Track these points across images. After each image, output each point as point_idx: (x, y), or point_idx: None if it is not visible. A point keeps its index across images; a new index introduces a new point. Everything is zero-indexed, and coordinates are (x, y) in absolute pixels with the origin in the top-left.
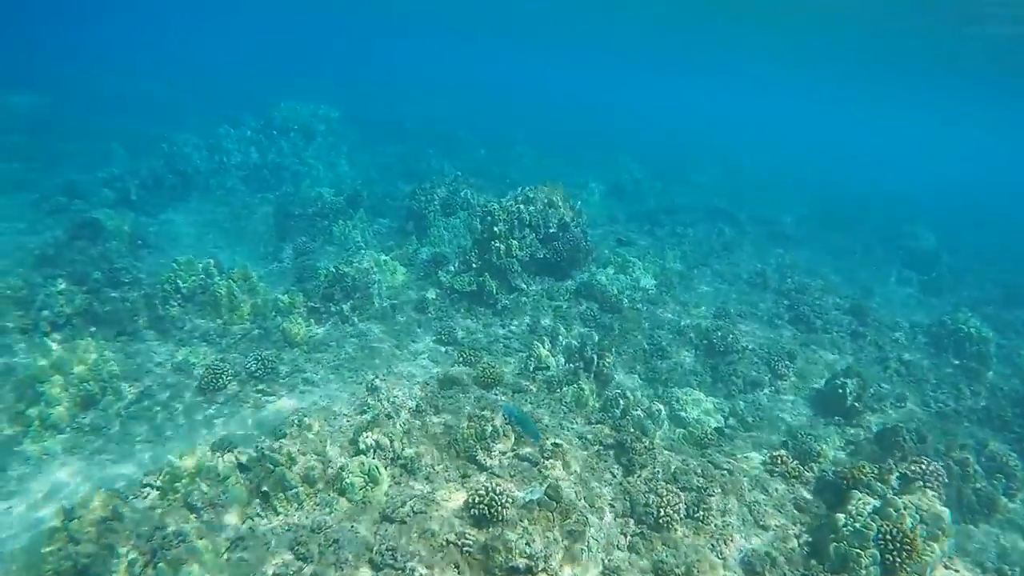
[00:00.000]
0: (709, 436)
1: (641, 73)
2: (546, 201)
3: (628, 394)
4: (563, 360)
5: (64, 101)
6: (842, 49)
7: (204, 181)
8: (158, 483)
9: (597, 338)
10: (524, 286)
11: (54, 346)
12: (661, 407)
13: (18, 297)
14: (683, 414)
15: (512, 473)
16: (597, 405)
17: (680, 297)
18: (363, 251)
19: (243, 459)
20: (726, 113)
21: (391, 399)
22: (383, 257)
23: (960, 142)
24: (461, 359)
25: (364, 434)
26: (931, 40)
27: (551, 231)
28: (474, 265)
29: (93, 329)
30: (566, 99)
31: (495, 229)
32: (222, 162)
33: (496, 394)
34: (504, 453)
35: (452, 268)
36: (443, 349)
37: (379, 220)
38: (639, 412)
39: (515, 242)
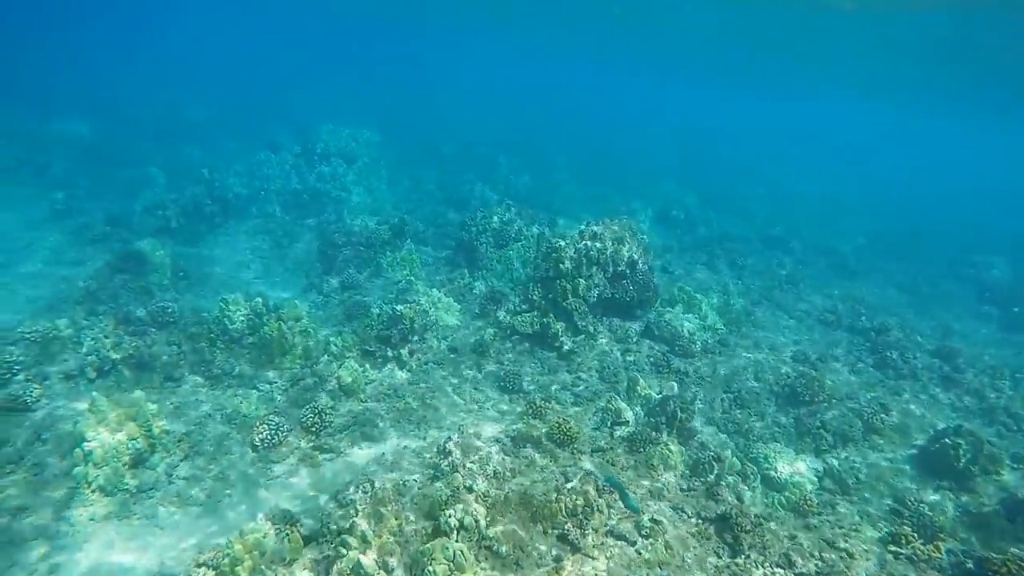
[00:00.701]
0: (808, 503)
1: (681, 94)
2: (615, 237)
3: (721, 455)
4: (641, 413)
5: (104, 126)
6: (895, 73)
7: (244, 207)
8: (215, 565)
9: (676, 388)
10: (591, 328)
11: (101, 398)
12: (754, 469)
13: (64, 339)
14: (774, 474)
15: (609, 555)
16: (686, 468)
17: (750, 336)
18: (414, 285)
19: (305, 531)
20: (771, 136)
21: (466, 465)
22: (436, 292)
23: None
24: (530, 411)
25: (446, 511)
26: (991, 62)
27: (620, 269)
28: (537, 304)
29: (139, 374)
30: (605, 119)
31: (561, 267)
32: (262, 188)
33: (573, 453)
34: (597, 530)
35: (511, 306)
36: (507, 398)
37: (424, 248)
38: (733, 477)
39: (583, 281)
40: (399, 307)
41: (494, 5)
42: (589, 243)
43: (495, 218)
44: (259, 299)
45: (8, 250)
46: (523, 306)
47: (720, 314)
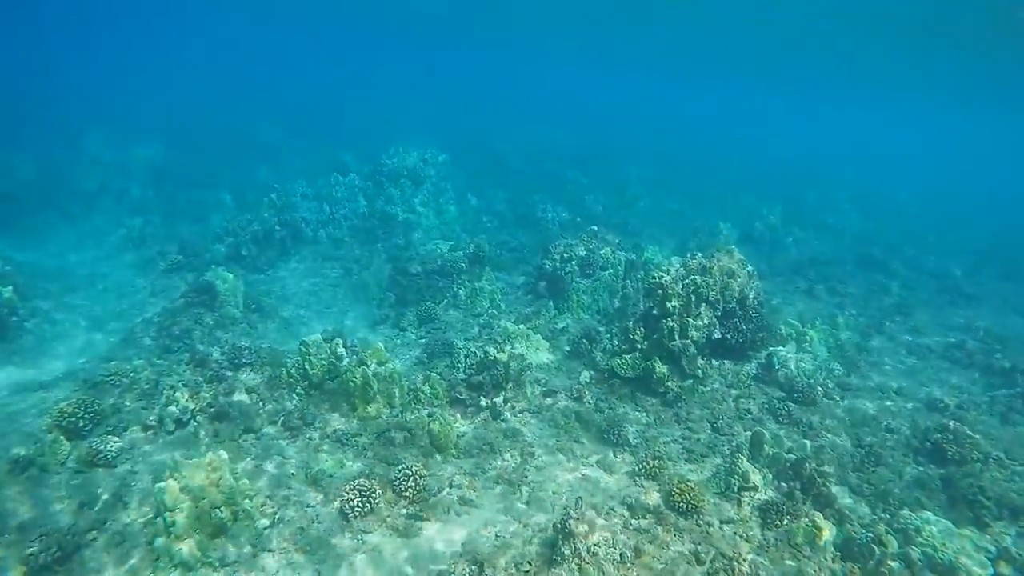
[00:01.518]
0: None
1: (751, 102)
2: (724, 271)
3: (882, 538)
4: (770, 475)
5: (178, 149)
6: (984, 72)
7: (313, 233)
8: None
9: (809, 446)
10: (700, 372)
11: (182, 463)
12: (919, 553)
13: (142, 383)
14: (934, 553)
15: None
16: (836, 550)
17: (870, 378)
18: (499, 321)
19: None
20: (846, 143)
21: (590, 549)
22: (522, 328)
23: None
24: (642, 470)
25: None
26: None
27: (730, 306)
28: (638, 344)
29: (218, 426)
30: (674, 130)
31: (668, 305)
32: (331, 213)
33: (699, 524)
34: None
35: (607, 345)
36: (611, 452)
37: (498, 274)
38: (897, 563)
39: (692, 321)
40: (492, 351)
41: (554, 18)
42: (698, 278)
43: (581, 247)
44: (339, 340)
45: (87, 282)
46: (622, 346)
47: (831, 350)
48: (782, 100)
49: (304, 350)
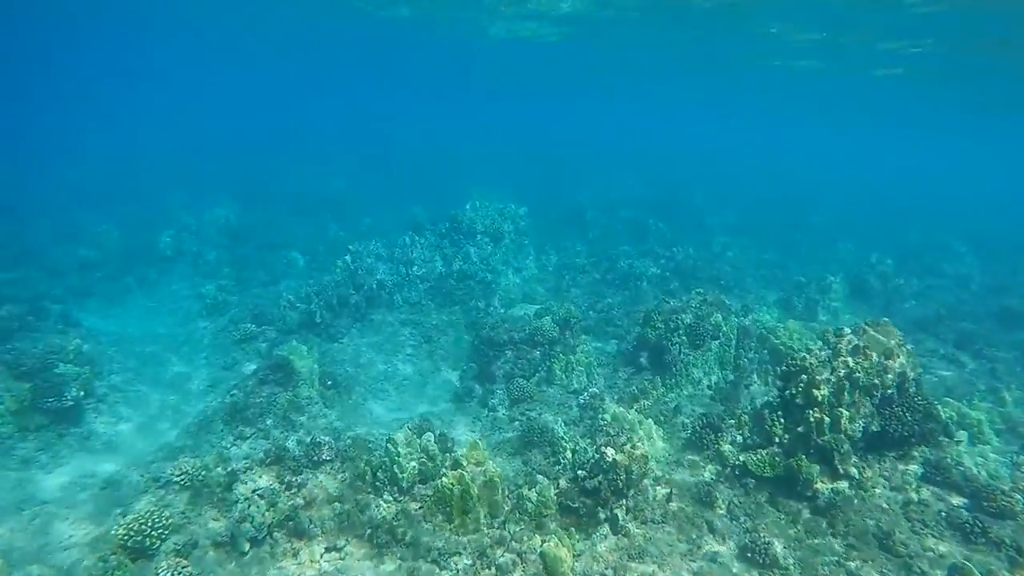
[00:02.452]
0: None
1: (829, 139)
2: (881, 349)
3: None
4: None
5: (247, 208)
6: None
7: (388, 297)
8: None
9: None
10: (855, 472)
11: None
12: None
13: (214, 485)
14: None
15: None
16: None
17: None
18: (604, 405)
19: None
20: (951, 179)
21: None
22: (632, 415)
23: None
24: None
25: None
26: None
27: (888, 392)
28: (777, 437)
29: (296, 543)
30: (749, 172)
31: (816, 393)
32: (407, 274)
33: None
34: None
35: (737, 435)
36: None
37: (591, 342)
38: None
39: (845, 412)
40: (611, 453)
41: (624, 65)
42: (850, 361)
43: (688, 314)
44: (429, 435)
45: (161, 356)
46: (755, 438)
47: (999, 435)
48: (859, 137)
49: (392, 449)
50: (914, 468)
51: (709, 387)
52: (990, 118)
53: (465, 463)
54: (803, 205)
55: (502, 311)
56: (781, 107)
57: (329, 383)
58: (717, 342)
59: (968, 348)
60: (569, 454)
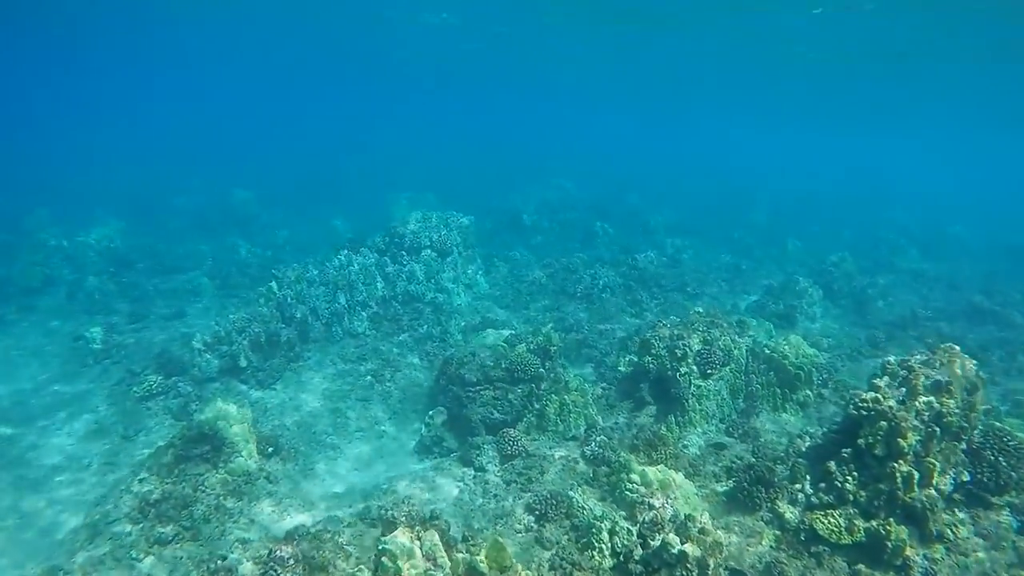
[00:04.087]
0: None
1: (748, 134)
2: (964, 382)
3: None
4: None
5: (137, 227)
6: None
7: (326, 329)
8: None
9: None
10: (949, 533)
11: None
12: None
13: None
14: None
15: None
16: None
17: None
18: (630, 466)
19: None
20: (870, 176)
21: None
22: (667, 474)
23: None
24: None
25: None
26: None
27: (975, 434)
28: (850, 495)
29: None
30: (675, 167)
31: (902, 443)
32: (347, 301)
33: None
34: None
35: (795, 491)
36: None
37: (574, 372)
38: None
39: (936, 464)
40: (674, 541)
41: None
42: (933, 400)
43: (695, 339)
44: (434, 536)
45: (30, 429)
46: (822, 496)
47: None
48: (780, 134)
49: (390, 564)
50: (1006, 519)
51: (722, 421)
52: (901, 115)
53: (484, 566)
54: (739, 203)
55: (459, 337)
56: (702, 102)
57: (270, 449)
58: (728, 368)
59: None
60: (606, 535)
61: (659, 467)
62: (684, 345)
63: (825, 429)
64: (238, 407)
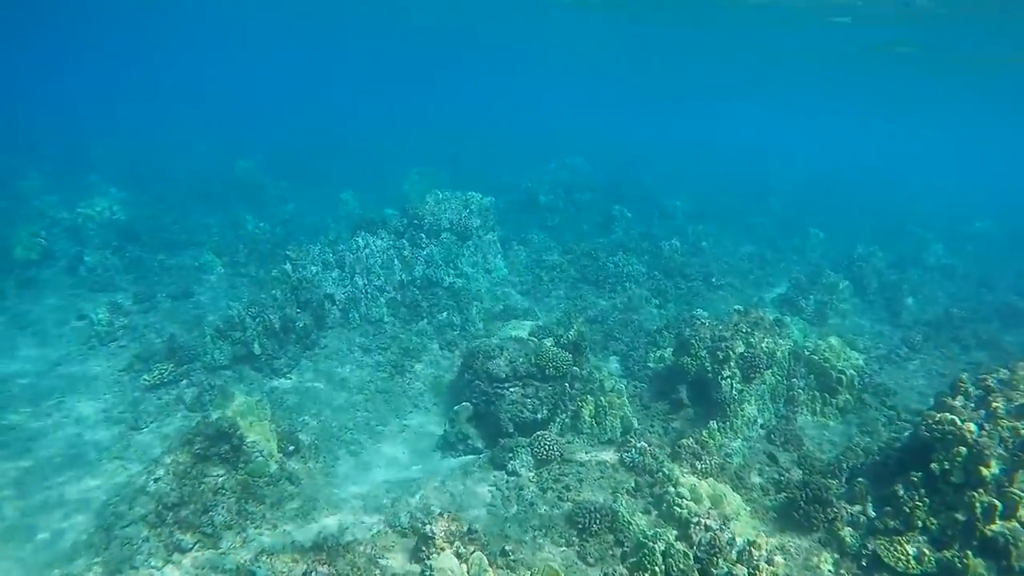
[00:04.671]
0: None
1: (758, 119)
2: None
3: None
4: None
5: (141, 199)
6: None
7: (342, 315)
8: None
9: None
10: None
11: None
12: None
13: None
14: None
15: None
16: None
17: None
18: (674, 476)
19: None
20: (877, 162)
21: None
22: (718, 488)
23: None
24: None
25: None
26: None
27: None
28: (920, 522)
29: None
30: (688, 151)
31: (983, 472)
32: (365, 285)
33: None
34: None
35: (859, 512)
36: None
37: (601, 365)
38: None
39: (1019, 493)
40: (745, 573)
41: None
42: (1020, 427)
43: (738, 341)
44: (482, 559)
45: (36, 415)
46: (888, 521)
47: None
48: (792, 115)
49: None
50: None
51: (763, 426)
52: (920, 105)
53: None
54: (753, 186)
55: (480, 326)
56: (718, 84)
57: (291, 448)
58: (771, 372)
59: (991, 351)
60: (659, 557)
61: (708, 480)
62: (727, 347)
63: (882, 444)
64: (256, 401)
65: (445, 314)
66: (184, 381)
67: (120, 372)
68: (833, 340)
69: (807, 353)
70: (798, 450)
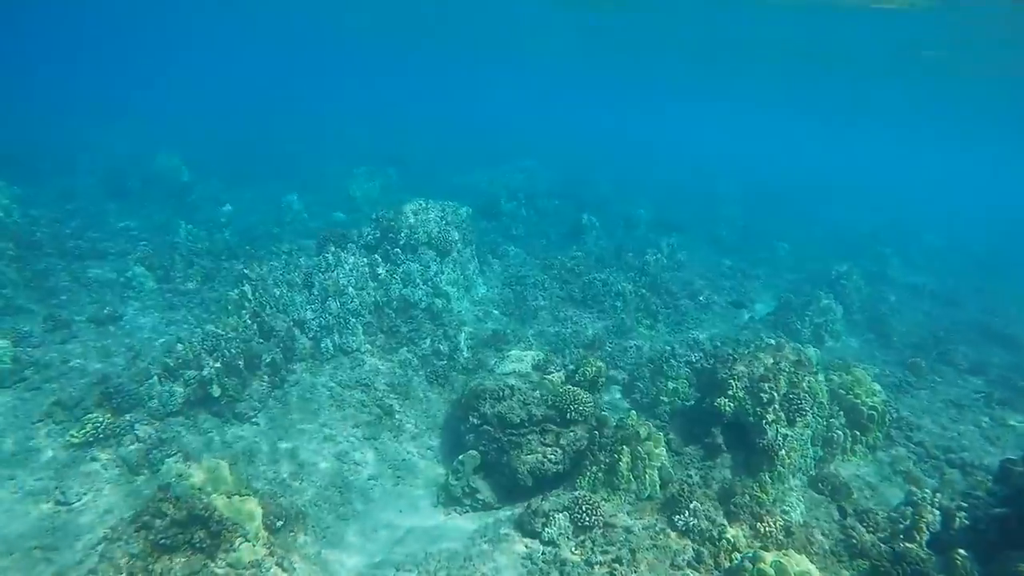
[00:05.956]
0: None
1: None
2: None
3: None
4: None
5: (36, 189)
6: None
7: (313, 344)
8: None
9: None
10: None
11: None
12: None
13: None
14: None
15: None
16: None
17: None
18: (720, 526)
19: None
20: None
21: None
22: (799, 563)
23: None
24: None
25: None
26: None
27: None
28: None
29: None
30: (634, 149)
31: None
32: (338, 309)
33: None
34: None
35: None
36: None
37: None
38: None
39: None
40: None
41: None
42: None
43: (782, 379)
44: None
45: None
46: None
47: None
48: (738, 116)
49: None
50: None
51: (805, 473)
52: (862, 108)
53: None
54: (704, 192)
55: (468, 355)
56: (664, 80)
57: (279, 523)
58: (811, 415)
59: (985, 375)
60: None
61: (790, 553)
62: (771, 388)
63: (968, 503)
64: (229, 464)
65: (429, 341)
66: (125, 435)
67: (35, 424)
68: (858, 373)
69: (840, 390)
70: (845, 497)
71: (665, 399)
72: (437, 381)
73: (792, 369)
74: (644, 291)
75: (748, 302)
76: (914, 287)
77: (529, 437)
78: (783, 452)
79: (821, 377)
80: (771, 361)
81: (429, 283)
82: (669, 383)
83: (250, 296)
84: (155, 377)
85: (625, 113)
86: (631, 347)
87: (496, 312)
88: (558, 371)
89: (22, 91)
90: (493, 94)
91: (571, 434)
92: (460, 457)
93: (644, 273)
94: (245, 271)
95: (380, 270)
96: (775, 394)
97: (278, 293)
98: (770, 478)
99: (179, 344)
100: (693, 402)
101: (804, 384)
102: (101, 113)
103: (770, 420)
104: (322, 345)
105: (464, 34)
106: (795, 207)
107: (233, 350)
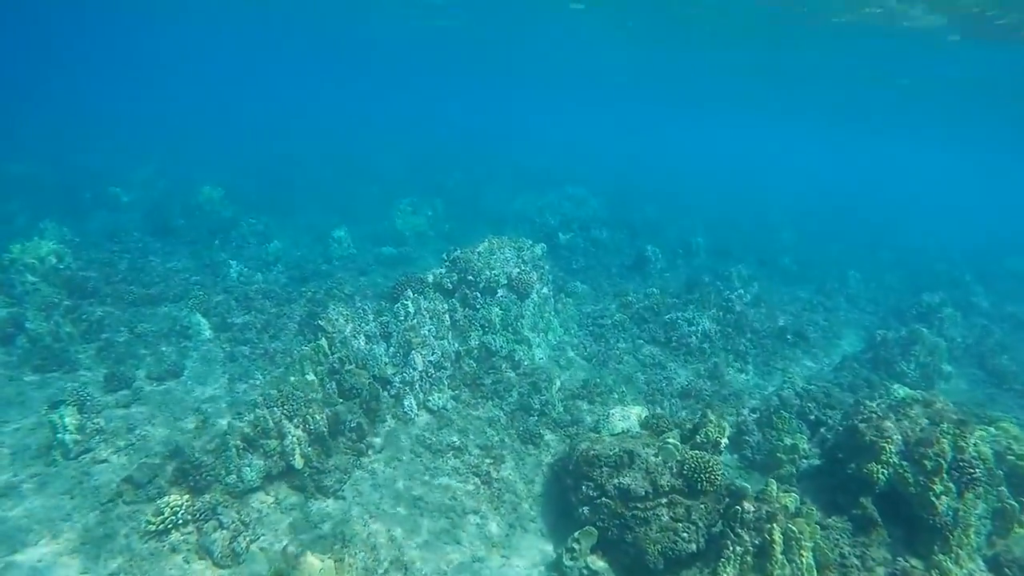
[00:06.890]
0: None
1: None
2: None
3: None
4: None
5: (84, 233)
6: None
7: (395, 403)
8: None
9: None
10: None
11: None
12: None
13: None
14: None
15: None
16: None
17: None
18: None
19: None
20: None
21: None
22: None
23: None
24: None
25: None
26: None
27: None
28: None
29: None
30: (677, 172)
31: None
32: (426, 365)
33: None
34: None
35: None
36: None
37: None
38: None
39: None
40: None
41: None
42: None
43: (945, 441)
44: None
45: None
46: None
47: None
48: (779, 132)
49: None
50: None
51: (979, 552)
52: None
53: None
54: (758, 213)
55: (561, 409)
56: (713, 98)
57: None
58: (984, 490)
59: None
60: None
61: None
62: (935, 455)
63: None
64: (338, 561)
65: (515, 394)
66: (209, 520)
67: (104, 507)
68: (1009, 426)
69: (1006, 453)
70: None
71: (783, 456)
72: (531, 440)
73: (957, 431)
74: (729, 329)
75: (835, 338)
76: (1014, 317)
77: (658, 512)
78: (959, 530)
79: (989, 440)
80: (926, 420)
81: (509, 328)
82: (785, 438)
83: (326, 350)
84: (234, 449)
85: (664, 133)
86: (729, 395)
87: (577, 357)
88: (670, 431)
89: (53, 116)
90: (528, 118)
91: (702, 507)
92: (575, 534)
93: (728, 311)
94: (319, 323)
95: (458, 316)
96: (942, 461)
97: (356, 346)
98: (949, 561)
99: (257, 409)
100: (820, 462)
101: (971, 447)
102: (135, 142)
103: (938, 492)
104: (404, 403)
105: (497, 58)
106: (852, 230)
107: (317, 415)
